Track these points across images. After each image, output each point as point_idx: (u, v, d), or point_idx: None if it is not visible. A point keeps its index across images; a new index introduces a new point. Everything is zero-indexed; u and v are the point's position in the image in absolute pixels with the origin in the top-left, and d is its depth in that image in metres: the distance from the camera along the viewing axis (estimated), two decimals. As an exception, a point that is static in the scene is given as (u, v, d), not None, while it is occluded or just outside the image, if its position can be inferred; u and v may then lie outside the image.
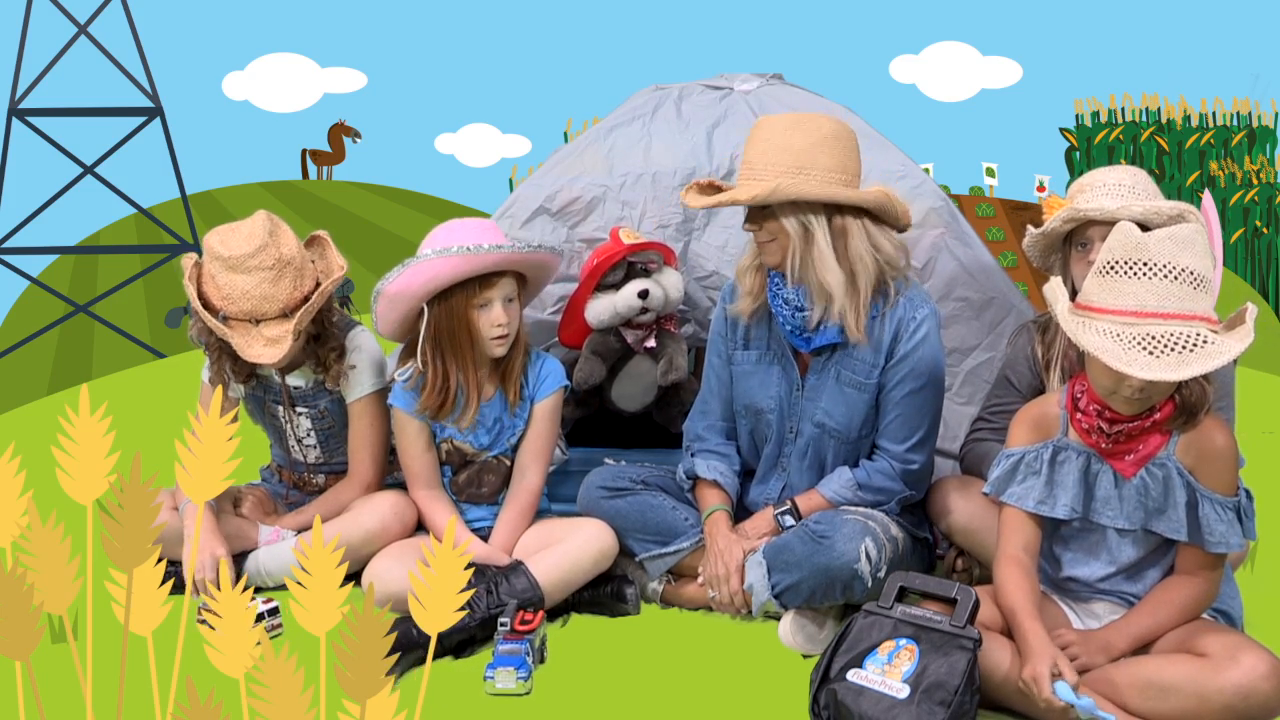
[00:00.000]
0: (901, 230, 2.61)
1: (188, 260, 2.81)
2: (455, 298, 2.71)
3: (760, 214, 2.54)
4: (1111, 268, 2.07)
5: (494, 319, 2.72)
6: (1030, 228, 2.67)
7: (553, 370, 2.88)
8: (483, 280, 2.70)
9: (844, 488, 2.65)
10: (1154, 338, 2.01)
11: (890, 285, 2.57)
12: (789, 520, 2.65)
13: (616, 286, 3.13)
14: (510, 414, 2.85)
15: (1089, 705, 1.99)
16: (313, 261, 2.85)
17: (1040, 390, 2.64)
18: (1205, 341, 2.00)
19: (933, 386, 2.63)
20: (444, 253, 2.65)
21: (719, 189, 2.63)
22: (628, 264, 3.12)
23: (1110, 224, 2.50)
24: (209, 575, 2.70)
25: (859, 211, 2.52)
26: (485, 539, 2.83)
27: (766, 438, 2.74)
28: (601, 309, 3.14)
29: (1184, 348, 2.00)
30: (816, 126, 2.51)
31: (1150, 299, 2.03)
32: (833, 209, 2.50)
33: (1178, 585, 2.22)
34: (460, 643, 2.51)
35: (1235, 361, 2.59)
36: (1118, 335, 2.04)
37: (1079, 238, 2.58)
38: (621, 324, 3.17)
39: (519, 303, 2.79)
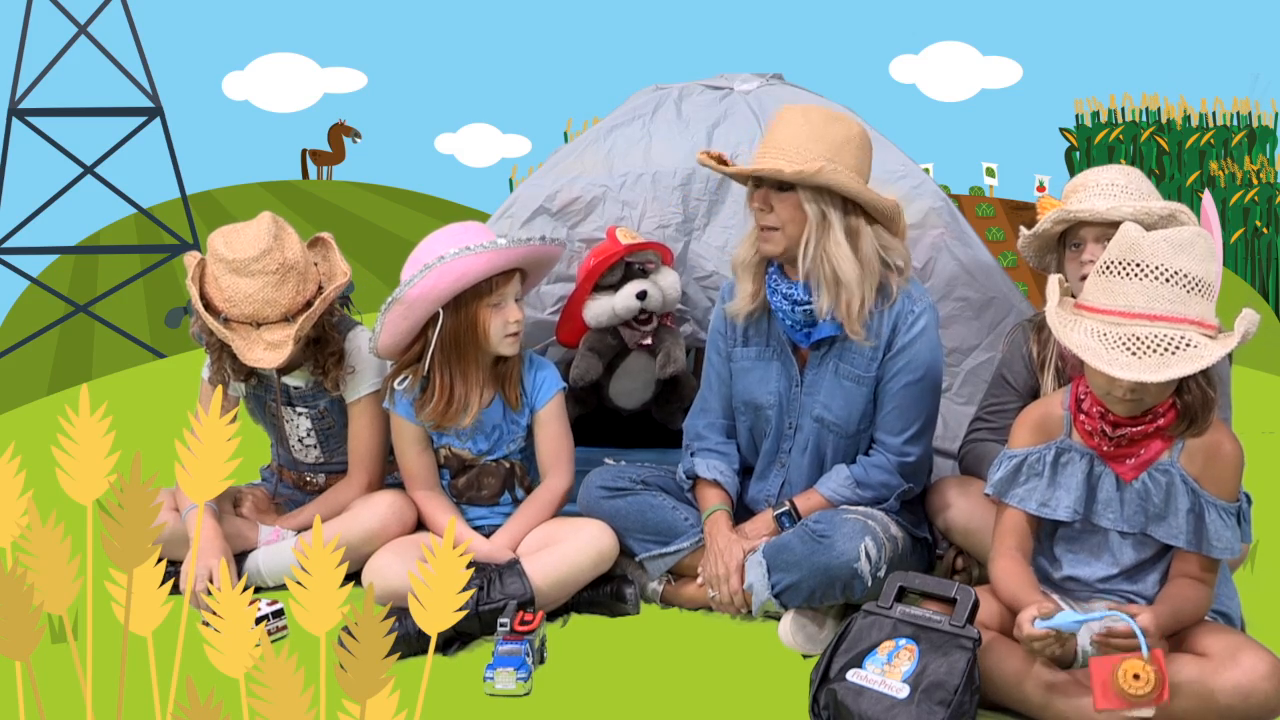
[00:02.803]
0: None
1: (191, 259, 2.80)
2: (468, 300, 2.71)
3: (776, 195, 2.54)
4: (1107, 268, 2.08)
5: (510, 316, 2.73)
6: (1023, 228, 2.67)
7: (549, 375, 2.89)
8: (496, 279, 2.71)
9: (842, 485, 2.65)
10: (1139, 339, 2.01)
11: (892, 285, 2.58)
12: (787, 522, 2.65)
13: (614, 287, 3.12)
14: (509, 419, 2.85)
15: (1073, 622, 2.01)
16: (315, 264, 2.84)
17: (1037, 389, 2.64)
18: (1190, 344, 2.00)
19: (930, 379, 2.64)
20: (464, 252, 2.64)
21: (726, 163, 2.63)
22: (625, 264, 3.12)
23: (1101, 225, 2.50)
24: (200, 588, 2.67)
25: (869, 217, 2.54)
26: (487, 536, 2.83)
27: (766, 433, 2.74)
28: (600, 310, 3.14)
29: (1167, 350, 2.00)
30: (848, 125, 2.53)
31: (1139, 300, 2.03)
32: (849, 207, 2.51)
33: (1175, 590, 2.21)
34: (446, 640, 2.50)
35: (1230, 360, 2.59)
36: (1103, 335, 2.04)
37: (1072, 238, 2.58)
38: (620, 324, 3.17)
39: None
